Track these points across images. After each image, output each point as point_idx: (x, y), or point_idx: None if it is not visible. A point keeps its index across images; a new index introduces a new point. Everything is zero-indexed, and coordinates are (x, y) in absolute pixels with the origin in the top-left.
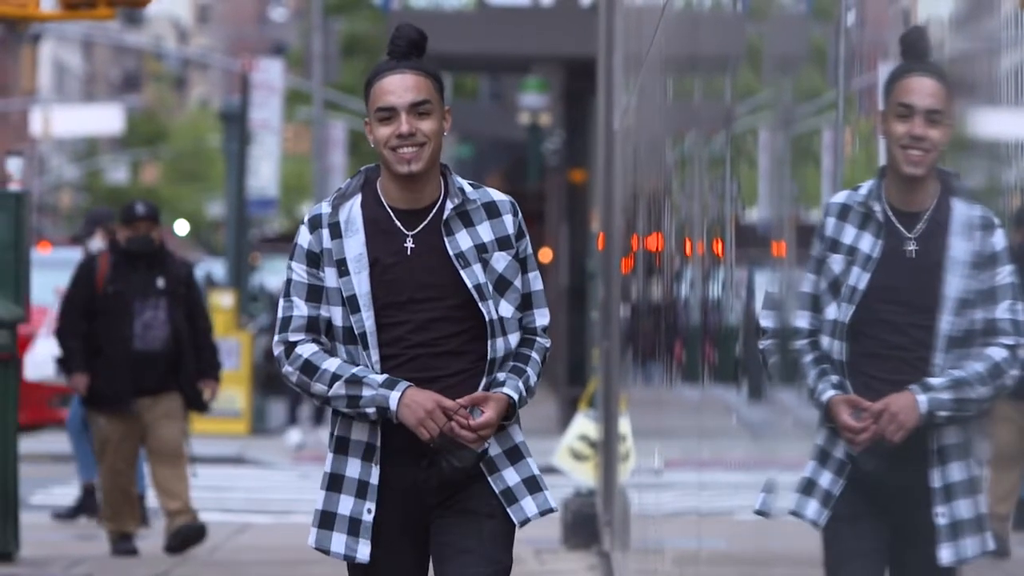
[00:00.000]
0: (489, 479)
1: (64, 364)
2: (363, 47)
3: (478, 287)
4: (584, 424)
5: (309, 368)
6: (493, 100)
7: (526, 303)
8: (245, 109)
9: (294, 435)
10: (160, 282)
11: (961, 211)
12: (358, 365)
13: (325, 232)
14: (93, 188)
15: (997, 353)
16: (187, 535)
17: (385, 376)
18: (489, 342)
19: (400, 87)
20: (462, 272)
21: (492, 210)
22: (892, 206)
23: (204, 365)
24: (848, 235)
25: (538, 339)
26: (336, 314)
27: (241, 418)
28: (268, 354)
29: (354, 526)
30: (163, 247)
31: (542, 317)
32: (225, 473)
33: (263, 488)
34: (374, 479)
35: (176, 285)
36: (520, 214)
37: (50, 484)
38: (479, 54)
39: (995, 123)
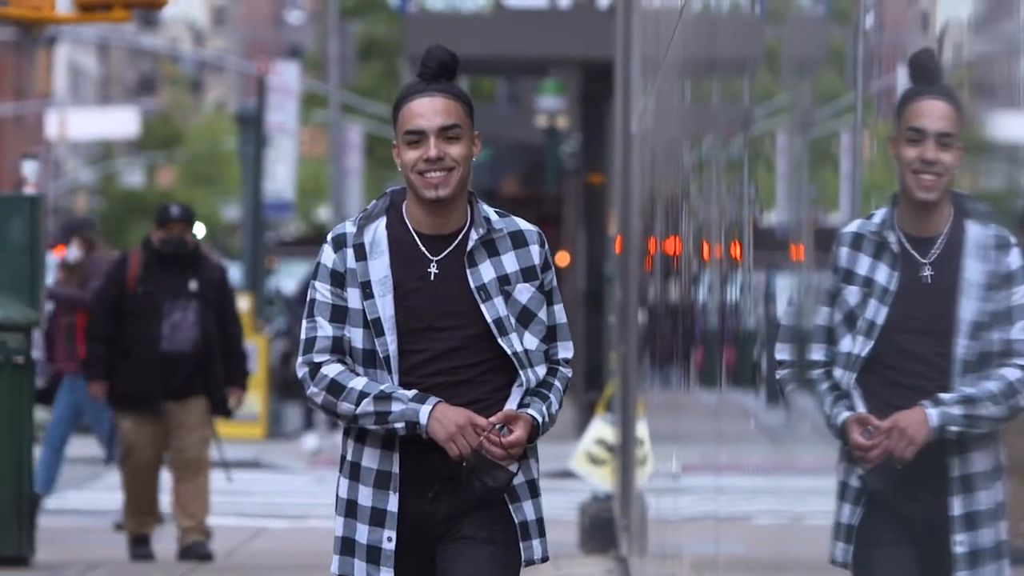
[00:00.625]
0: (510, 507)
1: (85, 367)
2: (380, 50)
3: (498, 321)
4: (601, 428)
5: (335, 388)
6: (510, 103)
7: (551, 335)
8: (261, 112)
9: (310, 439)
10: (192, 285)
11: (975, 232)
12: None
13: (349, 252)
14: (108, 191)
15: (1012, 373)
16: (196, 555)
17: (415, 391)
18: (520, 372)
19: (429, 110)
20: (482, 306)
21: (518, 239)
22: (906, 233)
23: (232, 371)
24: (863, 266)
25: (561, 368)
26: (356, 335)
27: (257, 422)
28: (284, 358)
29: (372, 554)
30: (197, 250)
31: (566, 350)
32: (241, 477)
33: (279, 492)
34: (392, 507)
35: (208, 288)
36: (547, 245)
37: (65, 488)
38: (496, 56)
39: (1014, 126)
